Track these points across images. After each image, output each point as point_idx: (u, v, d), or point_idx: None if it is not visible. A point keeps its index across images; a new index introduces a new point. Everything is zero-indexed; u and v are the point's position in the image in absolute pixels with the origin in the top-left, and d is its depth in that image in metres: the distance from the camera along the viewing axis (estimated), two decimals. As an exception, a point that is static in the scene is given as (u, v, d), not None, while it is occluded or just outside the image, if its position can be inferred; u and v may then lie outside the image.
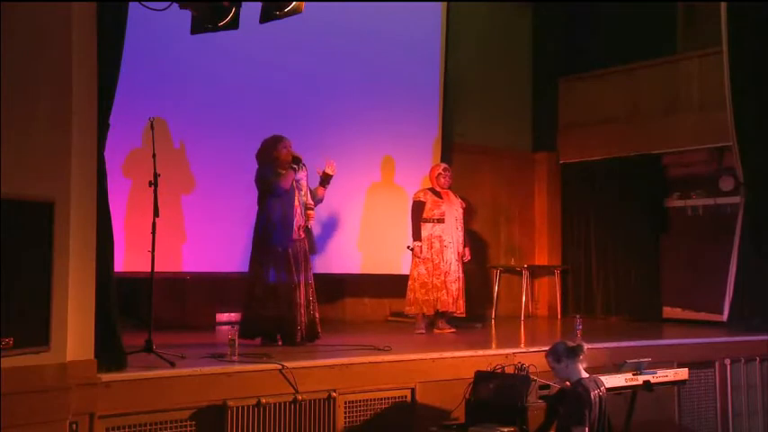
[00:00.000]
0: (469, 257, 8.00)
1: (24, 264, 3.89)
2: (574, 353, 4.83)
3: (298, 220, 6.44)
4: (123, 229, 6.93)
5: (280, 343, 6.35)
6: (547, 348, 5.05)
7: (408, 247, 7.90)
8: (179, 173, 7.54)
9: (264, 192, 6.48)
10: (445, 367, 5.84)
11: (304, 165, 6.59)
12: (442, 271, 7.71)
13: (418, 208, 7.86)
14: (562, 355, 4.84)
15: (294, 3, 5.38)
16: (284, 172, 6.42)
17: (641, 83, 10.28)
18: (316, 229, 7.90)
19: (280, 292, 6.33)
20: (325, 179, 6.79)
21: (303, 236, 6.51)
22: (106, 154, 4.74)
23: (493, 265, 10.35)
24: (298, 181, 6.52)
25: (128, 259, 6.84)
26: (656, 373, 5.78)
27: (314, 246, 6.73)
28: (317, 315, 6.51)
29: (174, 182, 7.28)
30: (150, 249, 5.34)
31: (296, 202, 6.46)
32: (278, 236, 6.37)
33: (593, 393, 4.73)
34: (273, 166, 6.46)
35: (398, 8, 9.06)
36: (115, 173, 6.96)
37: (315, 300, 6.54)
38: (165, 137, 7.41)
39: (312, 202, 6.69)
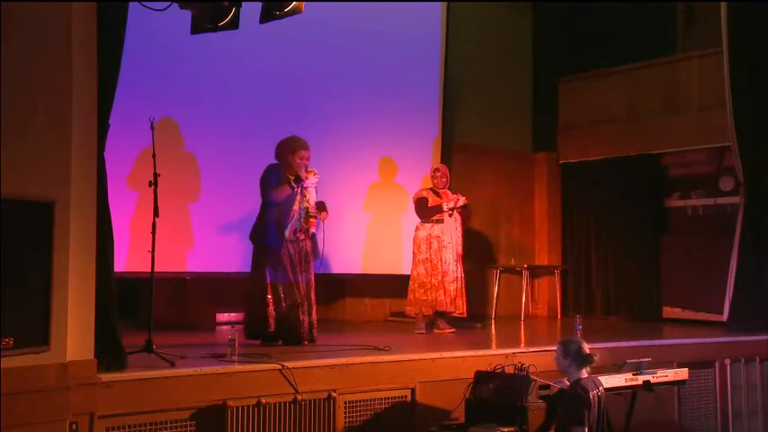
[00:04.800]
0: (467, 204, 7.92)
1: (24, 264, 3.89)
2: (583, 361, 4.82)
3: (293, 224, 6.44)
4: (128, 229, 6.95)
5: (279, 343, 6.35)
6: (548, 348, 5.05)
7: (449, 209, 7.76)
8: (185, 173, 7.55)
9: (262, 193, 6.50)
10: (445, 367, 5.84)
11: (314, 171, 6.57)
12: (440, 271, 7.70)
13: (422, 202, 7.86)
14: (571, 354, 4.84)
15: (294, 3, 5.38)
16: (280, 186, 6.40)
17: (641, 83, 10.28)
18: (318, 229, 7.90)
19: (275, 292, 6.35)
20: (319, 209, 6.70)
21: (302, 237, 6.51)
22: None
23: (493, 265, 10.35)
24: (304, 188, 6.51)
25: (131, 259, 6.86)
26: (656, 373, 5.78)
27: (318, 251, 6.70)
28: (314, 317, 6.51)
29: (179, 182, 7.30)
30: (150, 249, 5.34)
31: (295, 206, 6.46)
32: (272, 237, 6.39)
33: (592, 394, 4.74)
34: (280, 173, 6.47)
35: (398, 8, 9.06)
36: (125, 174, 7.00)
37: (314, 302, 6.54)
38: (175, 138, 7.44)
39: (315, 212, 6.65)
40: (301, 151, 6.50)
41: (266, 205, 6.48)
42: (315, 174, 6.57)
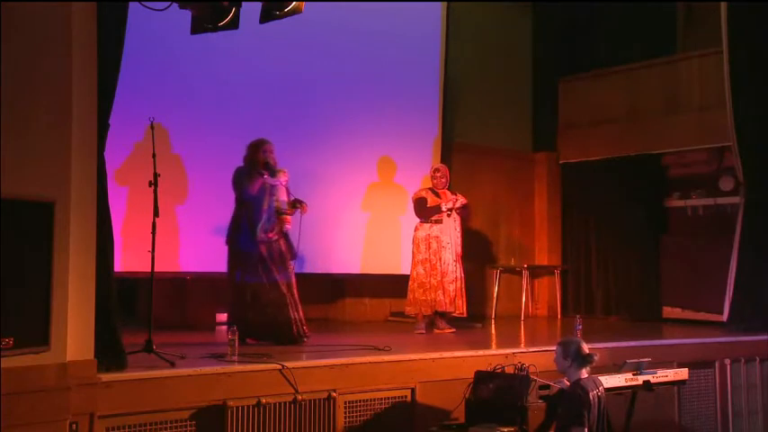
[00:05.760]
0: (466, 204, 7.97)
1: (24, 264, 3.89)
2: (583, 361, 4.82)
3: (263, 223, 6.46)
4: (120, 229, 6.95)
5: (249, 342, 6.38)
6: (548, 348, 5.05)
7: (447, 209, 7.78)
8: (177, 173, 7.54)
9: (236, 194, 6.56)
10: (445, 367, 5.84)
11: (283, 170, 6.62)
12: (440, 271, 7.70)
13: (421, 202, 7.87)
14: (571, 354, 4.83)
15: (294, 3, 5.38)
16: (253, 177, 6.47)
17: (641, 83, 10.28)
18: (317, 228, 7.88)
19: (246, 293, 6.39)
20: (294, 206, 6.72)
21: (274, 237, 6.51)
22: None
23: (493, 265, 10.35)
24: (273, 186, 6.55)
25: (124, 259, 6.85)
26: (656, 373, 5.78)
27: (294, 251, 6.70)
28: (299, 315, 6.50)
29: (171, 182, 7.28)
30: (150, 249, 5.35)
31: (264, 206, 6.48)
32: (243, 238, 6.44)
33: (592, 394, 4.73)
34: (251, 168, 6.53)
35: (398, 8, 9.06)
36: (112, 175, 7.00)
37: (297, 300, 6.53)
38: (162, 138, 7.42)
39: (286, 208, 6.64)
40: (265, 145, 6.61)
41: (239, 206, 6.54)
42: (284, 173, 6.63)
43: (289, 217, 6.63)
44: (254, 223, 6.43)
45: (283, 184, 6.65)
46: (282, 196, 6.63)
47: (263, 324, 6.36)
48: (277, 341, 6.34)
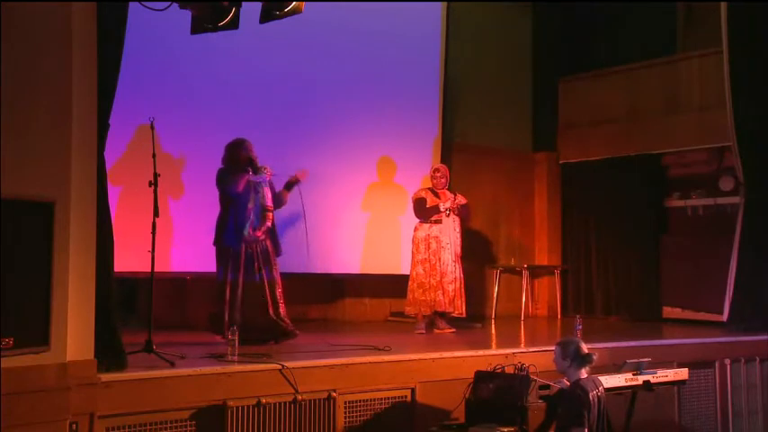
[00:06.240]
0: (466, 203, 8.00)
1: (24, 264, 3.89)
2: (582, 361, 4.82)
3: (252, 221, 6.47)
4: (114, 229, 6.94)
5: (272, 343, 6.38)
6: (548, 348, 5.04)
7: (446, 209, 7.78)
8: (169, 173, 7.51)
9: (222, 194, 6.56)
10: (445, 367, 5.84)
11: (265, 167, 6.64)
12: (439, 271, 7.70)
13: (420, 202, 7.87)
14: (570, 355, 4.83)
15: (294, 3, 5.39)
16: (238, 175, 6.48)
17: (641, 83, 10.28)
18: (317, 228, 7.87)
19: (233, 292, 6.41)
20: (290, 185, 6.83)
21: (261, 236, 6.52)
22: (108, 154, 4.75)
23: (493, 265, 10.35)
24: (257, 184, 6.56)
25: (119, 259, 6.85)
26: (656, 373, 5.78)
27: (279, 248, 6.72)
28: (281, 313, 6.50)
29: (166, 182, 7.28)
30: (150, 249, 5.37)
31: (250, 204, 6.50)
32: (229, 237, 6.45)
33: (592, 394, 4.73)
34: (232, 168, 6.54)
35: (398, 8, 9.06)
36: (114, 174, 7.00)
37: (280, 299, 6.54)
38: (174, 137, 7.44)
39: (271, 205, 6.67)
40: (246, 143, 6.64)
41: (224, 206, 6.54)
42: (267, 169, 6.66)
43: (271, 213, 6.64)
44: (241, 221, 6.44)
45: (267, 181, 6.67)
46: (267, 193, 6.65)
47: (244, 323, 6.34)
48: (260, 339, 6.33)
